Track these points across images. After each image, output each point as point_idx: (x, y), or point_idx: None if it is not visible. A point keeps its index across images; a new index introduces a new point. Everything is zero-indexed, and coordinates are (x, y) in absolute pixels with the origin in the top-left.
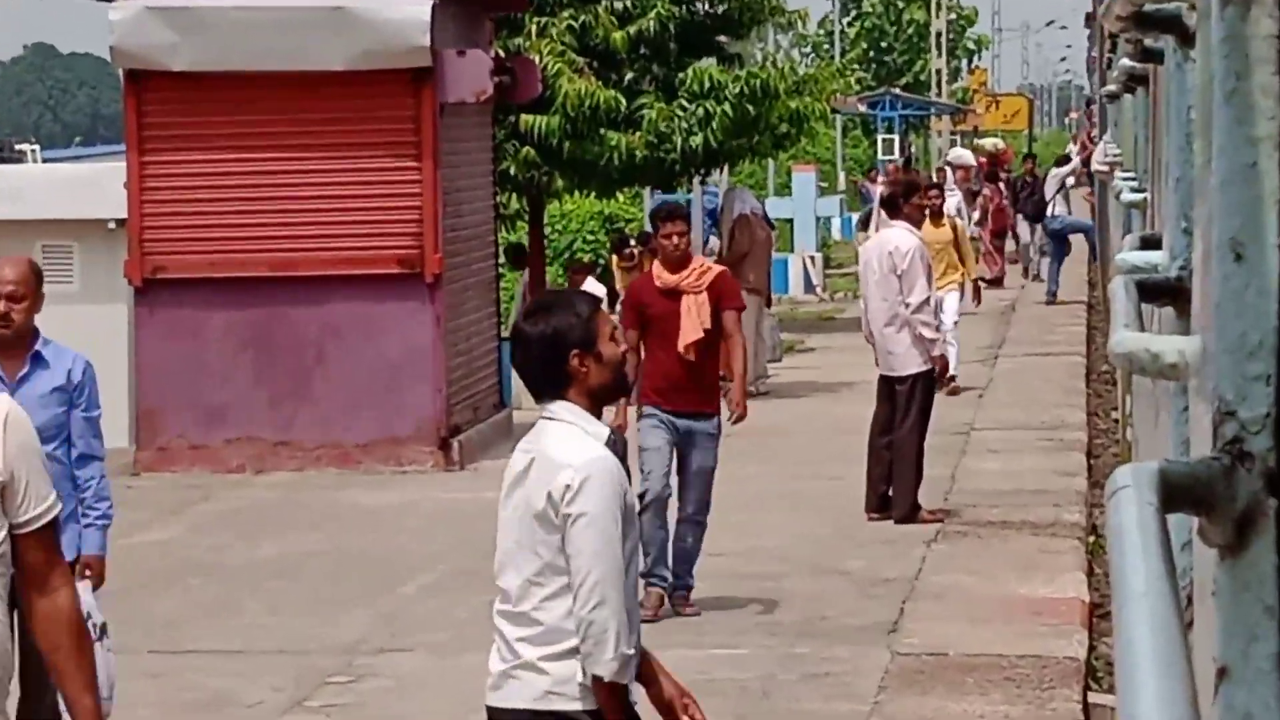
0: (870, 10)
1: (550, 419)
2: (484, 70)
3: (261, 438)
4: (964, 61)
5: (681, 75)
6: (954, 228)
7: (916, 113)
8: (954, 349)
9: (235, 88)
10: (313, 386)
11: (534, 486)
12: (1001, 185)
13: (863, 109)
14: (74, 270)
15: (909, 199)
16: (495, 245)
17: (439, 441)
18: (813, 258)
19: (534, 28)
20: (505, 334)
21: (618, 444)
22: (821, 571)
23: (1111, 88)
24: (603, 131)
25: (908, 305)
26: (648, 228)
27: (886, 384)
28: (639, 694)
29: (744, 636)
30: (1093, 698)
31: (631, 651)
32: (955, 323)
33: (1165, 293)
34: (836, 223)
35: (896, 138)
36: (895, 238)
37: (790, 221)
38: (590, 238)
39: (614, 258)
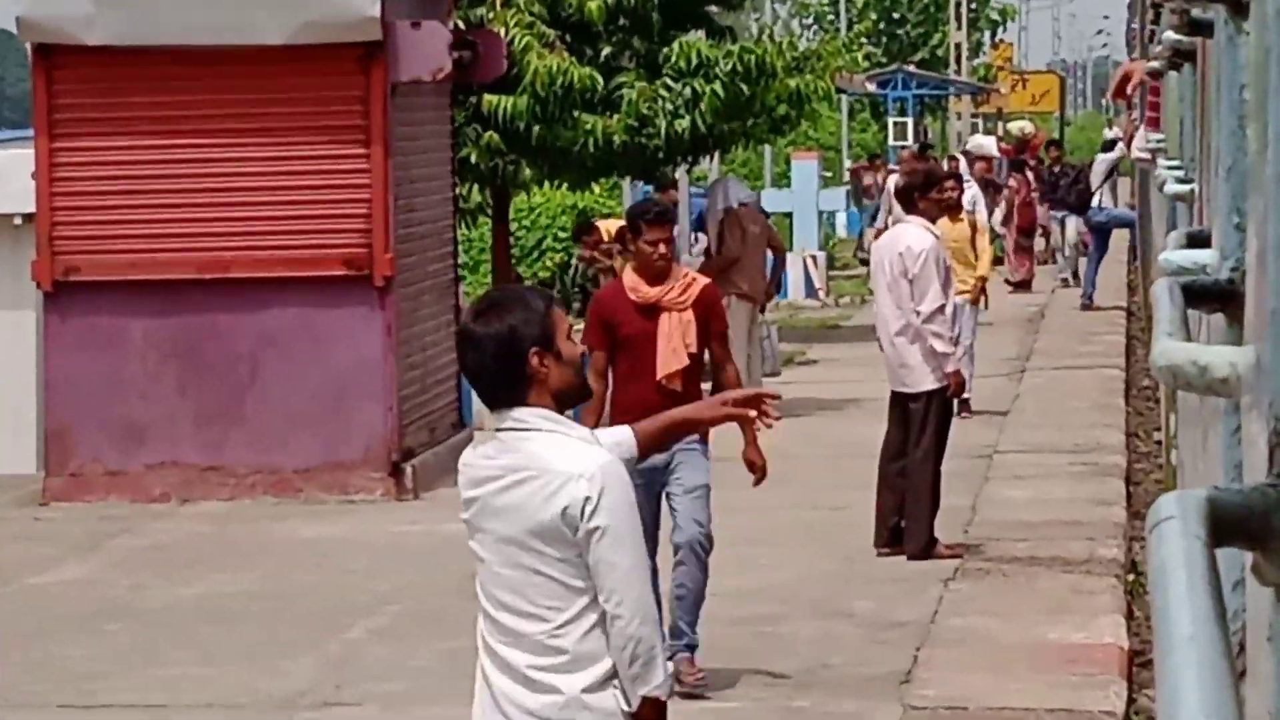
0: None
1: (527, 429)
2: (441, 45)
3: (188, 462)
4: (987, 35)
5: (666, 50)
6: (972, 225)
7: (933, 93)
8: (969, 369)
9: (159, 65)
10: (246, 404)
11: (536, 503)
12: (1029, 176)
13: (872, 88)
14: None
15: (927, 192)
16: (454, 243)
17: (390, 467)
18: (814, 257)
19: None
20: None
21: None
22: (825, 614)
23: (1155, 64)
24: (576, 114)
25: (919, 313)
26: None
27: (899, 402)
28: None
29: (737, 688)
30: None
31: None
32: (971, 341)
33: (1215, 297)
34: (842, 218)
35: (910, 121)
36: (908, 236)
37: (789, 216)
38: (562, 234)
39: (579, 248)
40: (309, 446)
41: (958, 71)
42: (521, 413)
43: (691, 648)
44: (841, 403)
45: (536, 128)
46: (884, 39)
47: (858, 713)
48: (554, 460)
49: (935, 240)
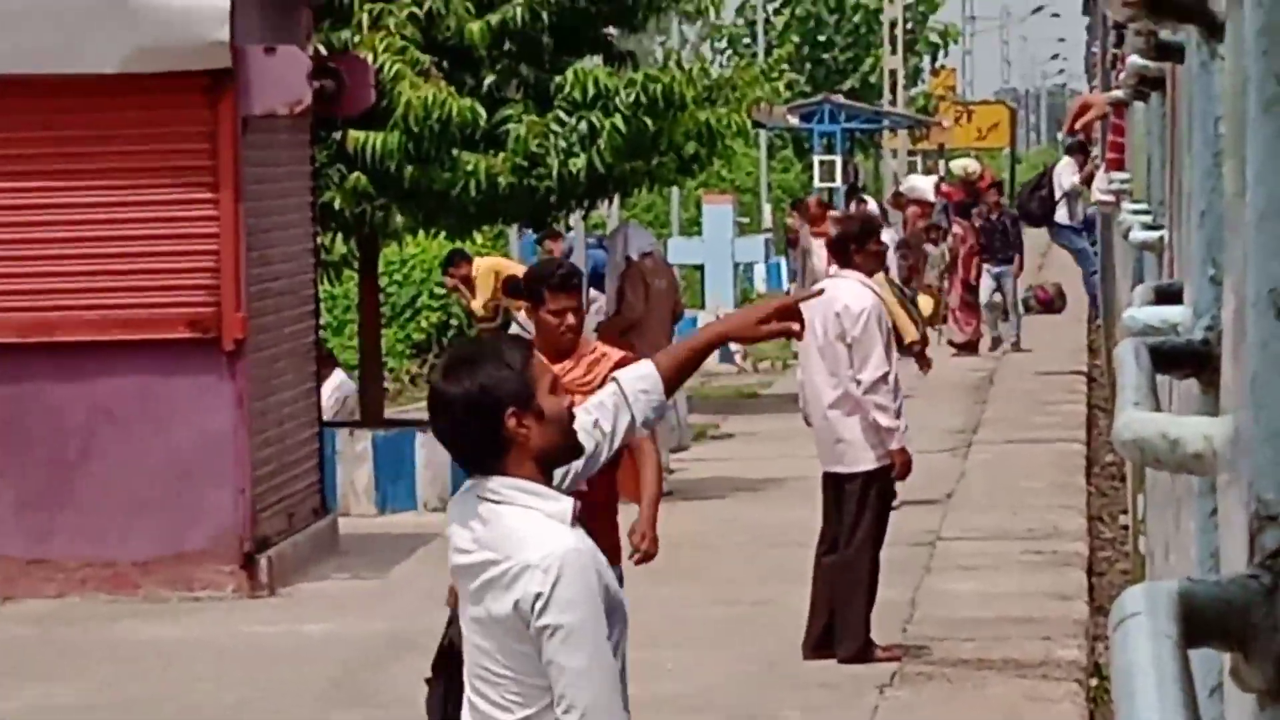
0: None
1: (499, 501)
2: (300, 73)
3: (9, 555)
4: (926, 60)
5: (558, 79)
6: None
7: (864, 126)
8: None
9: None
10: (77, 487)
11: (495, 591)
12: (975, 221)
13: (794, 122)
14: None
15: (864, 243)
16: (315, 301)
17: (242, 559)
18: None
19: (366, 17)
20: (330, 416)
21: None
22: None
23: (1117, 94)
24: (455, 152)
25: (859, 382)
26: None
27: (833, 483)
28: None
29: None
30: None
31: None
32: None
33: (1187, 360)
34: (760, 270)
35: (838, 159)
36: (845, 293)
37: (700, 269)
38: (439, 291)
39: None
40: (148, 536)
41: (893, 102)
42: (495, 483)
43: None
44: (761, 483)
45: (409, 168)
46: (808, 65)
47: None
48: (516, 544)
49: (876, 298)
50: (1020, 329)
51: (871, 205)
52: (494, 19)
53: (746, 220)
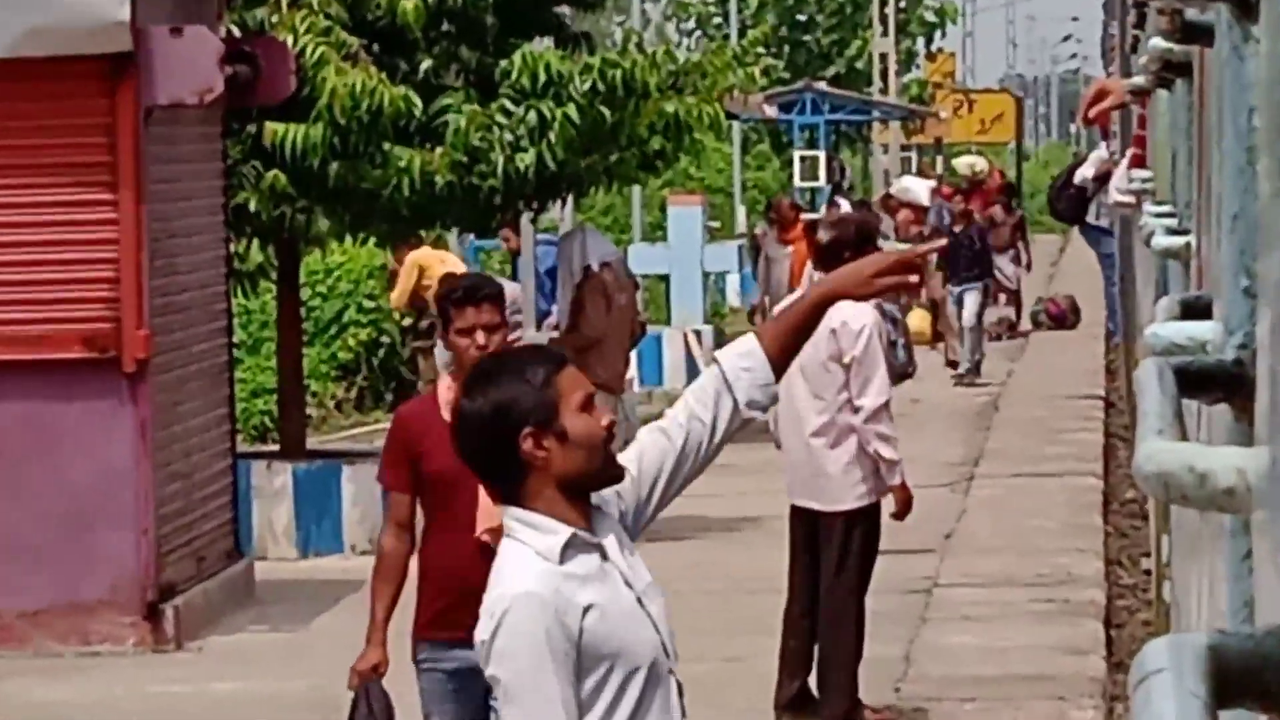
0: None
1: (506, 535)
2: (210, 57)
3: None
4: (920, 43)
5: (504, 64)
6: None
7: (851, 118)
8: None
9: None
10: None
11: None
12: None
13: (771, 113)
14: None
15: (861, 249)
16: (228, 316)
17: (145, 609)
18: (698, 333)
19: None
20: (246, 447)
21: (372, 704)
22: None
23: (1138, 81)
24: (387, 147)
25: (858, 409)
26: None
27: (807, 522)
28: None
29: None
30: None
31: None
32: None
33: (1217, 383)
34: (734, 280)
35: (822, 155)
36: (842, 308)
37: (665, 279)
38: (369, 304)
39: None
40: (39, 583)
41: (884, 90)
42: (509, 514)
43: None
44: (736, 522)
45: (334, 165)
46: (787, 48)
47: None
48: (492, 586)
49: (876, 314)
50: (980, 357)
51: (845, 207)
52: None
53: (718, 224)
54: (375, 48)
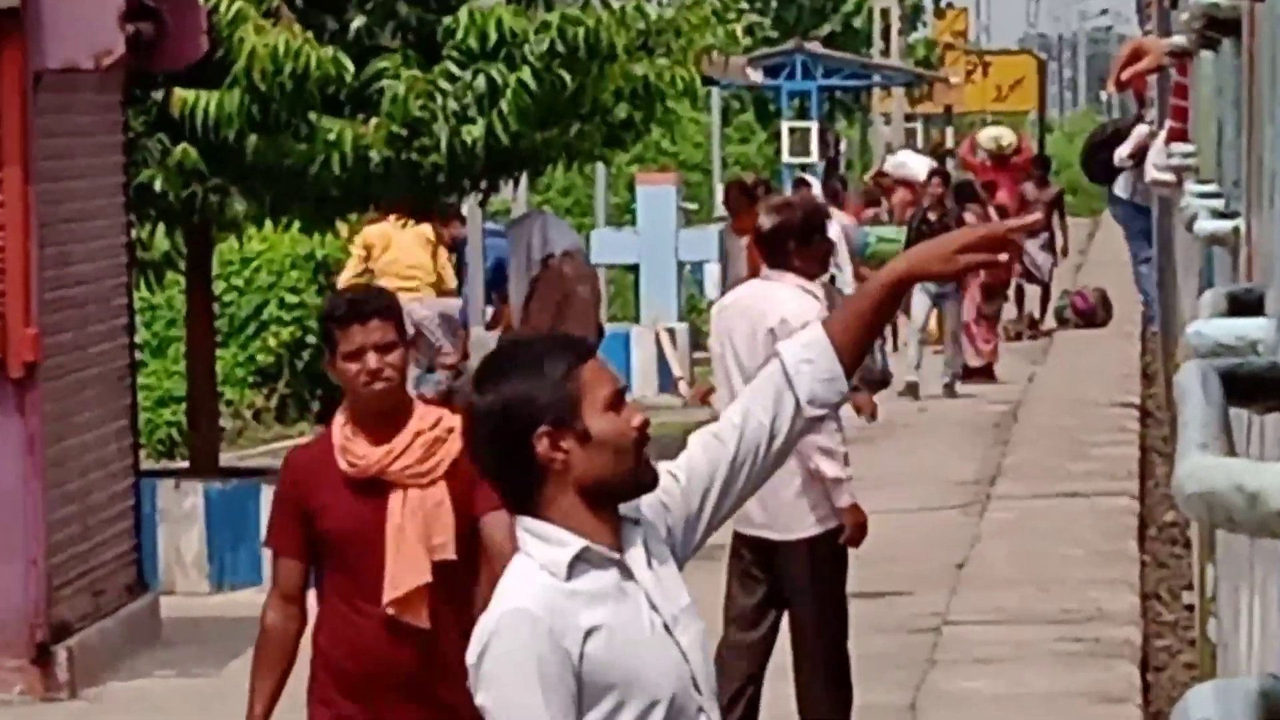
0: None
1: (517, 548)
2: (109, 15)
3: None
4: None
5: (448, 21)
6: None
7: (848, 84)
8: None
9: None
10: None
11: None
12: (955, 218)
13: (756, 78)
14: None
15: (809, 238)
16: (130, 313)
17: (34, 651)
18: (671, 331)
19: None
20: (151, 464)
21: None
22: None
23: (1179, 40)
24: (314, 117)
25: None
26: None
27: (756, 552)
28: None
29: None
30: None
31: None
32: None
33: (1270, 389)
34: (713, 270)
35: (814, 127)
36: (783, 301)
37: (633, 270)
38: (291, 298)
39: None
40: None
41: (885, 52)
42: (521, 525)
43: None
44: (708, 548)
45: (253, 138)
46: (774, 3)
47: None
48: (490, 606)
49: (822, 308)
50: (958, 368)
51: (816, 189)
52: None
53: (694, 207)
54: (300, 3)
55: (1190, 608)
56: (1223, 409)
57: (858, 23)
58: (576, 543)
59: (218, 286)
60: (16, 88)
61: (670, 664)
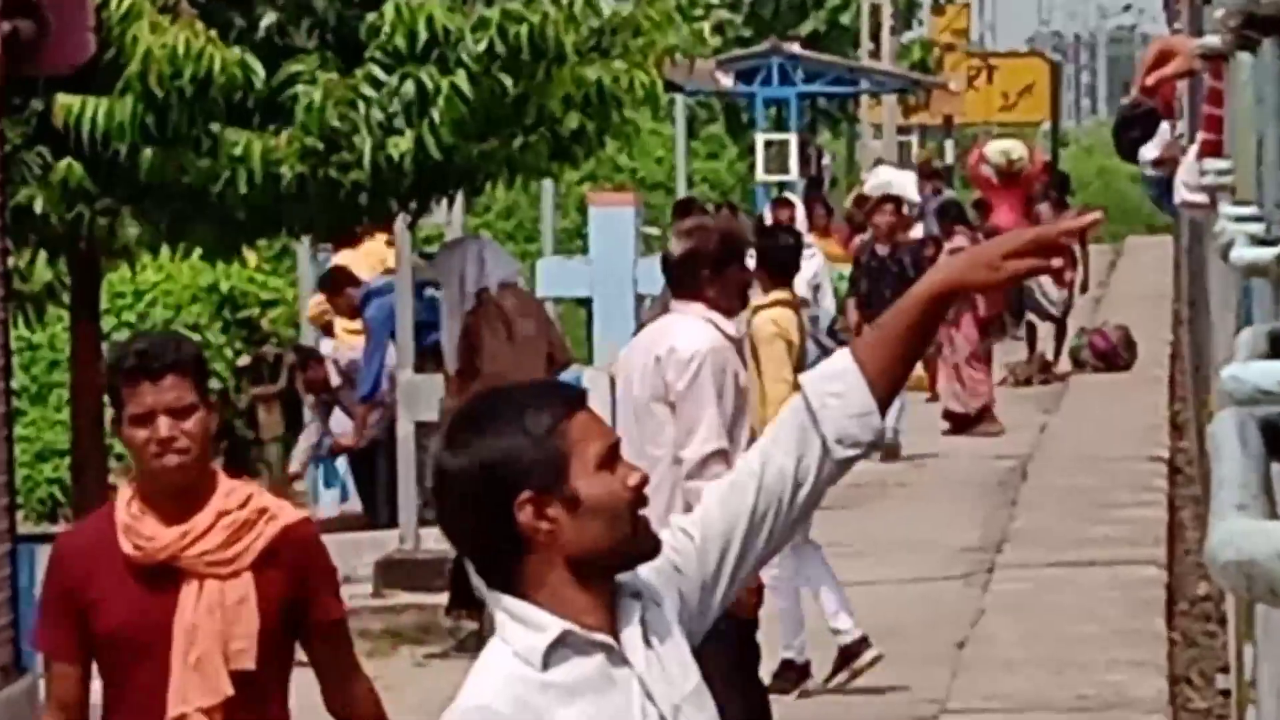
0: None
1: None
2: None
3: None
4: None
5: (372, 18)
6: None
7: (832, 90)
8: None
9: None
10: None
11: None
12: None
13: (727, 83)
14: None
15: (725, 266)
16: (5, 353)
17: None
18: None
19: None
20: (30, 527)
21: None
22: None
23: (1212, 41)
24: (217, 128)
25: (680, 461)
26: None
27: None
28: None
29: None
30: None
31: None
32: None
33: None
34: None
35: (793, 139)
36: (676, 333)
37: (585, 304)
38: (194, 337)
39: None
40: None
41: (875, 54)
42: (499, 604)
43: None
44: None
45: (148, 152)
46: (748, 1)
47: None
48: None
49: (726, 342)
50: (901, 422)
51: (800, 213)
52: None
53: (656, 232)
54: None
55: (1226, 693)
56: (1264, 464)
57: (844, 20)
58: (557, 626)
59: (107, 323)
60: None
61: None
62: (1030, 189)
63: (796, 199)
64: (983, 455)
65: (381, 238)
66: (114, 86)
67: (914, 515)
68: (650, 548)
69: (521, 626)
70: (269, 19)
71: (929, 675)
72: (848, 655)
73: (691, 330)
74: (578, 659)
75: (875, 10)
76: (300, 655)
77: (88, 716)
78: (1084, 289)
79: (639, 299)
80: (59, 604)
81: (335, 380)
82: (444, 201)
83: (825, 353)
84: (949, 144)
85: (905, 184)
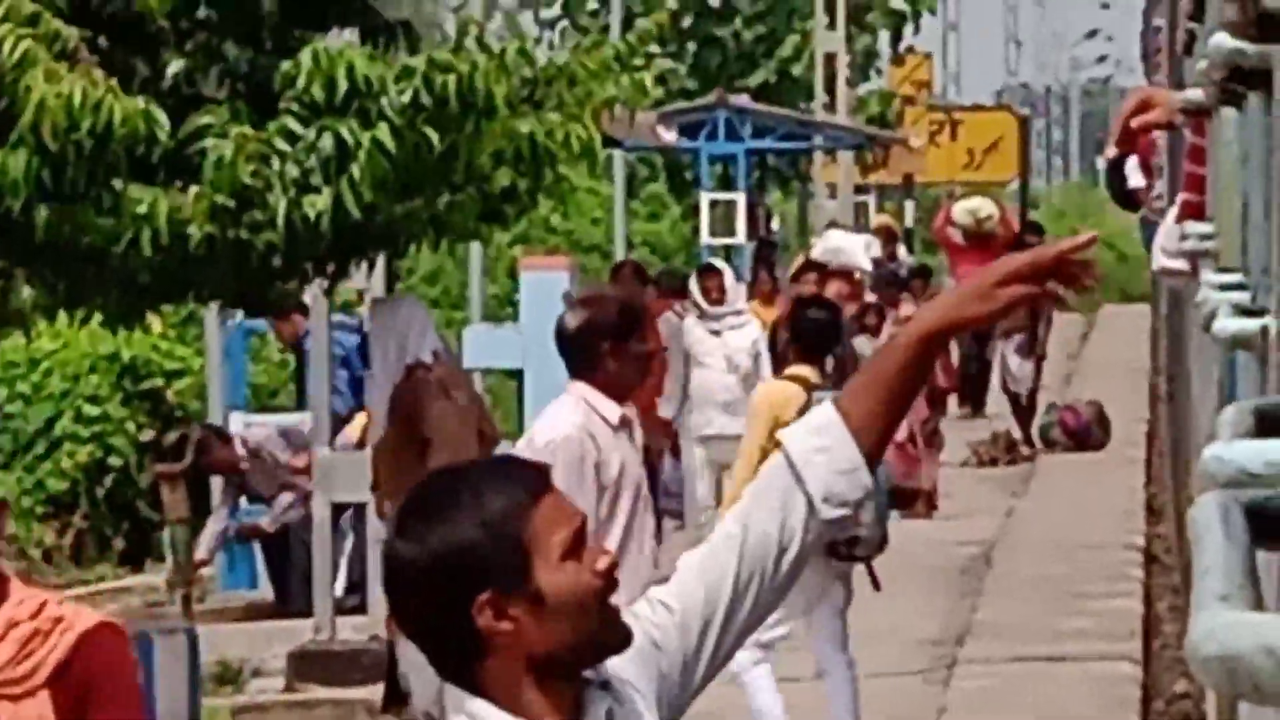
0: None
1: None
2: None
3: None
4: (884, 39)
5: (287, 67)
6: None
7: (784, 146)
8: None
9: None
10: None
11: None
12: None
13: (669, 138)
14: None
15: (625, 338)
16: None
17: None
18: None
19: None
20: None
21: None
22: None
23: (1194, 95)
24: (119, 185)
25: None
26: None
27: None
28: None
29: None
30: None
31: None
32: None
33: None
34: None
35: (740, 199)
36: (542, 417)
37: (516, 376)
38: (93, 411)
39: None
40: None
41: (830, 107)
42: (453, 702)
43: None
44: None
45: (43, 210)
46: (692, 46)
47: None
48: None
49: (598, 428)
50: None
51: (728, 278)
52: None
53: None
54: (104, 43)
55: None
56: (1248, 552)
57: (796, 71)
58: None
59: None
60: None
61: None
62: (1001, 253)
63: (724, 266)
64: (944, 540)
65: None
66: (7, 139)
67: (867, 604)
68: (619, 641)
69: None
70: (175, 66)
71: None
72: None
73: (555, 416)
74: None
75: (830, 60)
76: None
77: None
78: (1043, 356)
79: None
80: None
81: (244, 462)
82: (364, 265)
83: None
84: (909, 205)
85: (855, 249)
